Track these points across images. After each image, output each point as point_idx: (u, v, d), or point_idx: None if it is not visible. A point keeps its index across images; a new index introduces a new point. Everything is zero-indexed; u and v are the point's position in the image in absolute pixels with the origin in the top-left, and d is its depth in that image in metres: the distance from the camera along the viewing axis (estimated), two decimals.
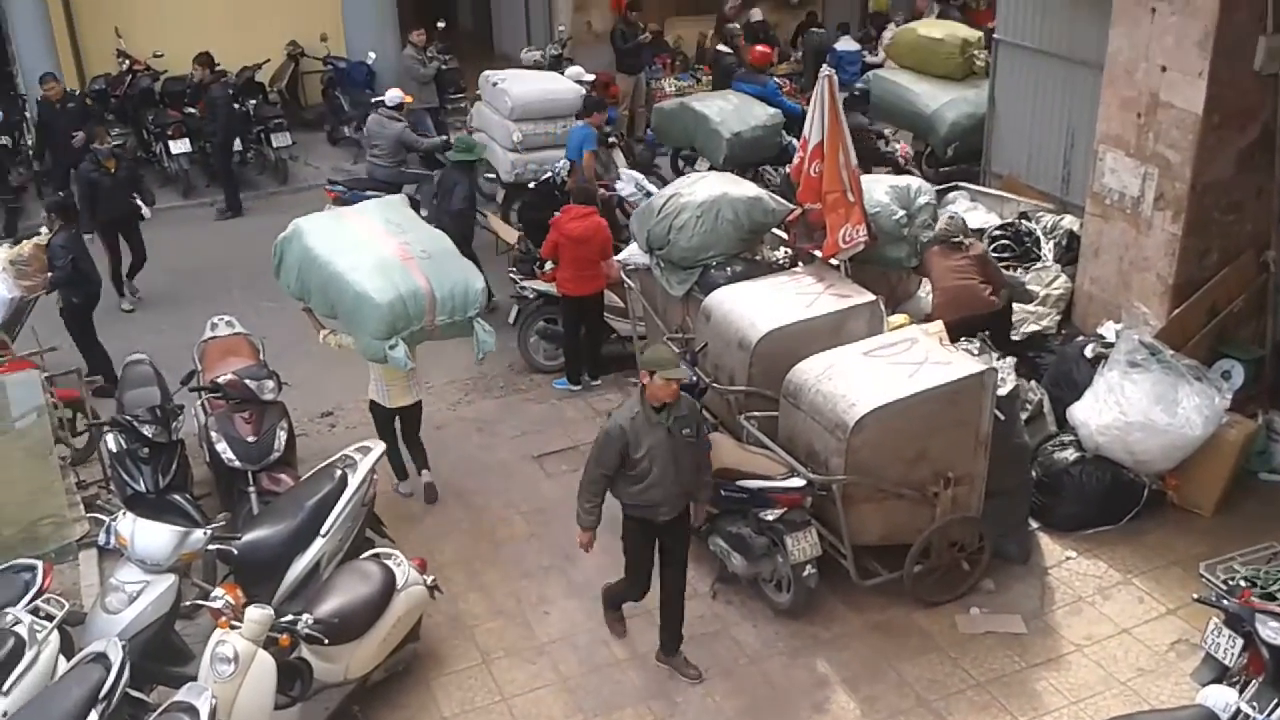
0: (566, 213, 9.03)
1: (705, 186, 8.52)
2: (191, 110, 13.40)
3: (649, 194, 10.10)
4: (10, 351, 8.24)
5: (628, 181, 10.93)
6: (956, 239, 8.41)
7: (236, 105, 13.44)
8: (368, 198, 9.01)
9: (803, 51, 15.73)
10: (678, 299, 8.36)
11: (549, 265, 9.15)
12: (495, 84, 11.66)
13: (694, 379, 7.23)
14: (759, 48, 13.92)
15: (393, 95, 11.52)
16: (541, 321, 9.54)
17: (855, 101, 12.01)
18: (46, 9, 13.58)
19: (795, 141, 10.79)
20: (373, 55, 14.36)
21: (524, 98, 11.37)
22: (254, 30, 14.48)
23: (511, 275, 9.61)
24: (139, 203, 10.47)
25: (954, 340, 7.88)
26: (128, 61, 13.86)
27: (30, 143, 13.24)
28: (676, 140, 12.70)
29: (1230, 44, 7.33)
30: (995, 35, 10.69)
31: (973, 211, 9.49)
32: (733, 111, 11.94)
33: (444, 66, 13.96)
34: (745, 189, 8.58)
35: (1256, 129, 7.66)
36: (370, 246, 7.40)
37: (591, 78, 13.17)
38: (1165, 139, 7.72)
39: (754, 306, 7.50)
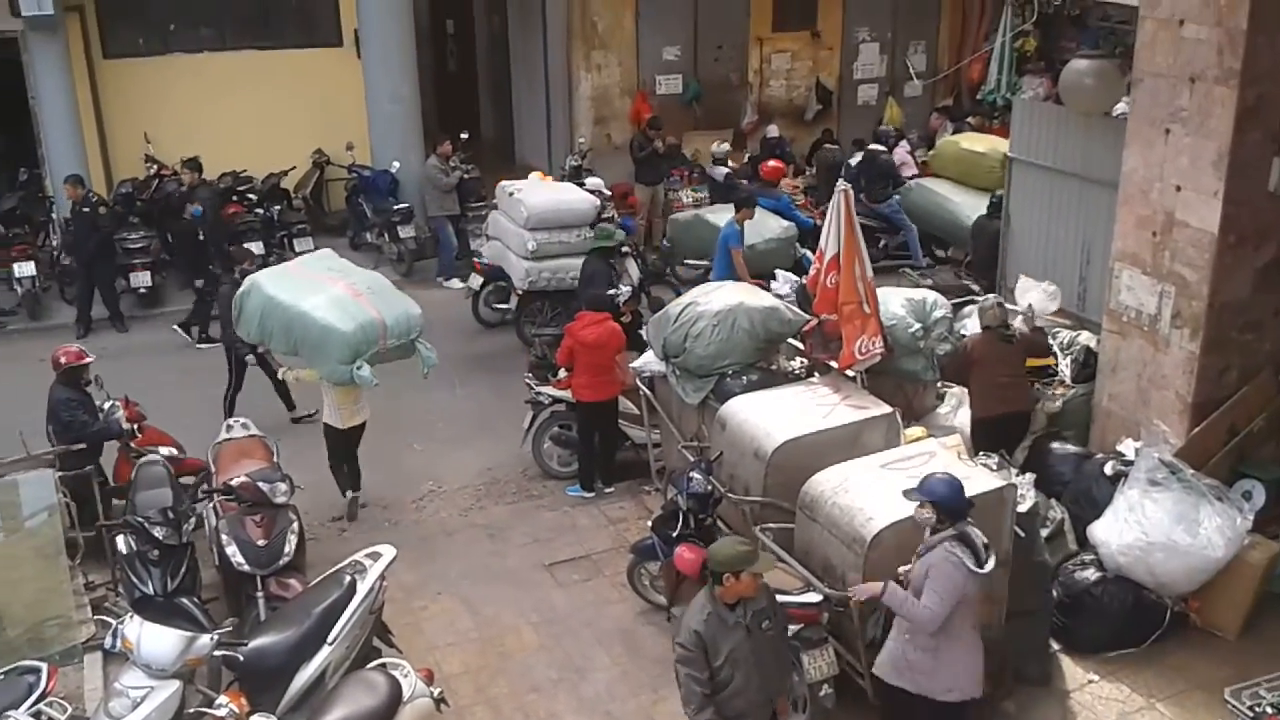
0: (581, 319, 9.08)
1: (722, 295, 8.59)
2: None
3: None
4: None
5: (784, 282, 11.05)
6: (1008, 332, 8.44)
7: (261, 210, 13.70)
8: None
9: (816, 167, 15.98)
10: (693, 407, 8.35)
11: (563, 372, 9.17)
12: (512, 193, 11.87)
13: (708, 489, 7.19)
14: (771, 162, 14.14)
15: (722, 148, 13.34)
16: (556, 427, 9.52)
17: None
18: (78, 113, 13.91)
19: (810, 254, 11.29)
20: (397, 164, 14.64)
21: (539, 207, 11.56)
22: (282, 138, 14.81)
23: (527, 381, 9.63)
24: None
25: (987, 440, 7.87)
26: (155, 166, 14.15)
27: (56, 243, 13.50)
28: (692, 251, 12.84)
29: (1245, 164, 7.41)
30: (1009, 153, 10.86)
31: None
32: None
33: (466, 176, 14.22)
34: (762, 299, 8.65)
35: (1273, 248, 7.69)
36: (323, 289, 8.62)
37: (609, 191, 13.39)
38: (1181, 257, 7.76)
39: (770, 416, 7.48)
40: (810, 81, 17.80)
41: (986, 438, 8.16)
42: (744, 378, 8.25)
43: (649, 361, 8.90)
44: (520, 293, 11.88)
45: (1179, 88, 7.65)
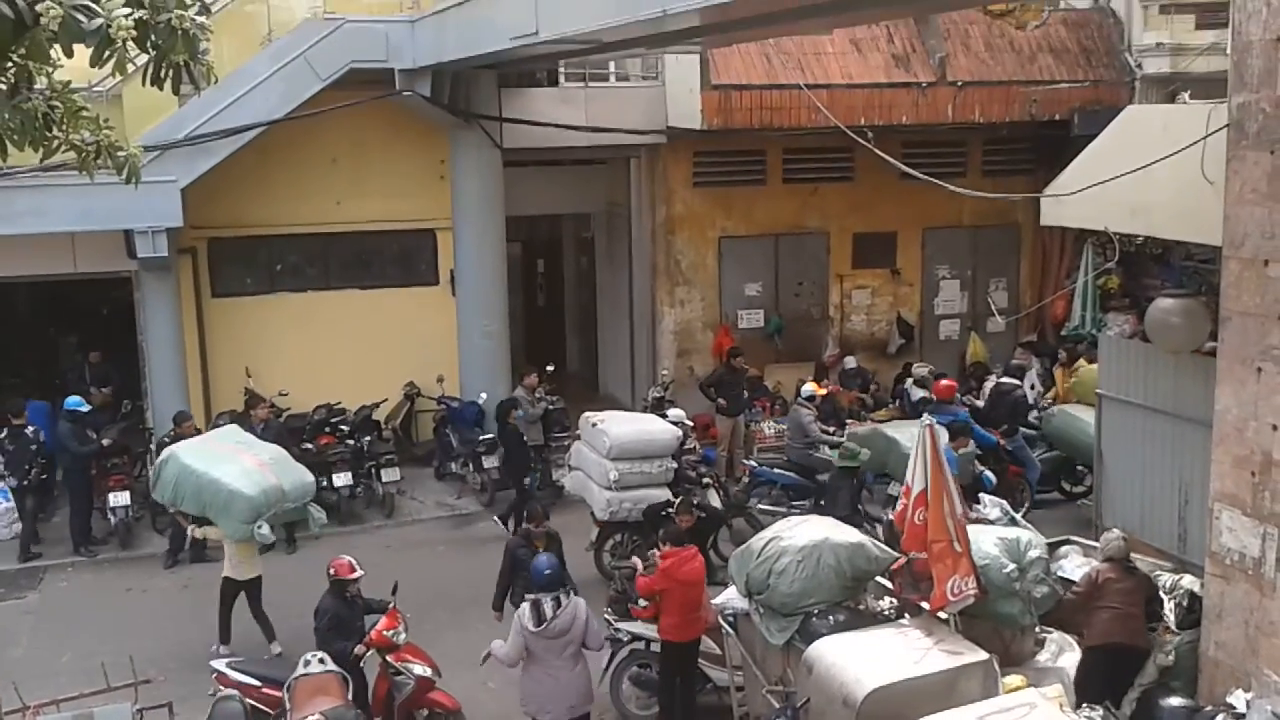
0: (676, 556, 8.89)
1: (806, 531, 8.46)
2: (309, 445, 13.98)
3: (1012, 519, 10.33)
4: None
5: (992, 506, 10.84)
6: (1130, 564, 8.16)
7: (352, 440, 14.04)
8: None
9: (900, 400, 15.98)
10: (778, 648, 8.10)
11: (644, 602, 8.99)
12: (594, 424, 12.05)
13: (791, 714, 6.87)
14: (944, 381, 14.25)
15: (807, 389, 14.05)
16: (635, 667, 9.27)
17: None
18: (184, 349, 14.58)
19: (989, 473, 12.00)
20: (484, 396, 15.01)
21: (621, 438, 11.69)
22: (376, 371, 15.36)
23: (606, 617, 9.43)
24: None
25: (1097, 673, 7.46)
26: (252, 398, 14.68)
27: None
28: (871, 465, 12.80)
29: None
30: (1099, 390, 10.75)
31: (1085, 568, 9.14)
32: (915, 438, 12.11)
33: (551, 407, 14.49)
34: (848, 534, 8.49)
35: None
36: (232, 459, 10.15)
37: (690, 422, 13.55)
38: None
39: (859, 660, 7.21)
40: (891, 316, 18.07)
41: (1098, 670, 7.87)
42: (831, 618, 8.00)
43: (731, 599, 8.70)
44: (601, 523, 11.84)
45: (1268, 326, 7.57)
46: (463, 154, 15.24)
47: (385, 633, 8.53)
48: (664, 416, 13.25)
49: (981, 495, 11.14)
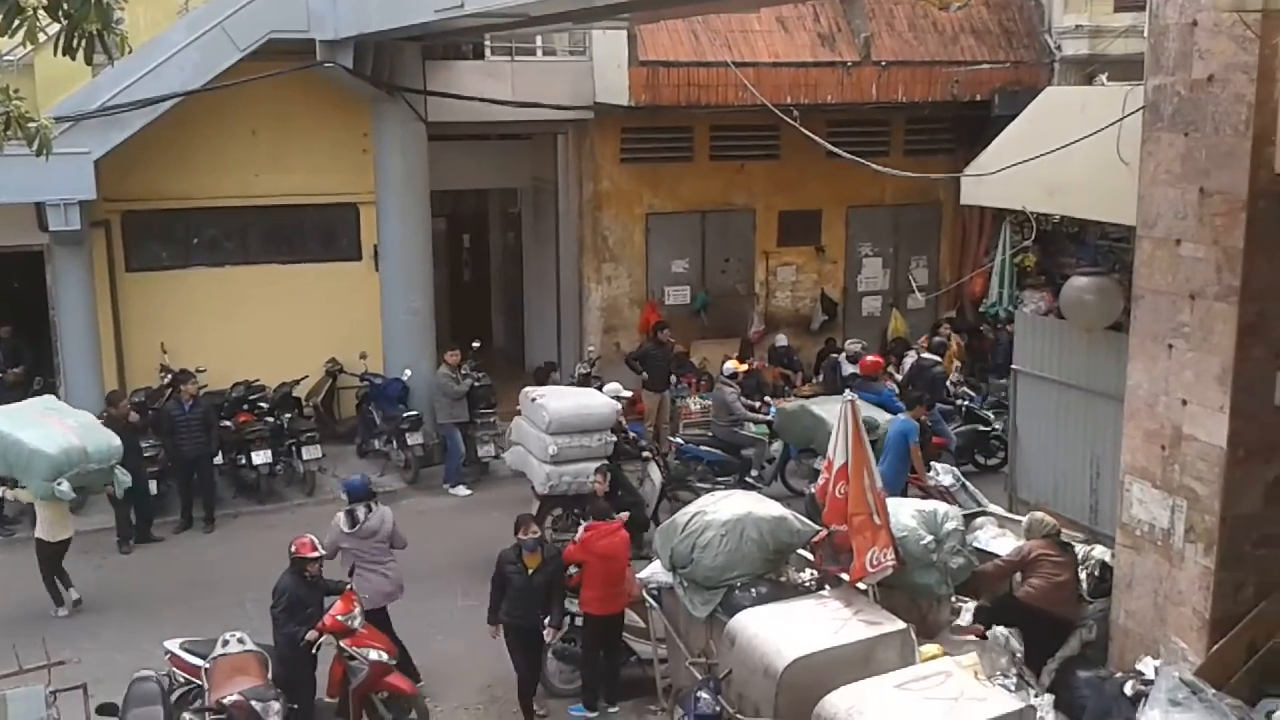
0: (596, 530, 8.96)
1: (730, 505, 8.52)
2: (227, 423, 13.74)
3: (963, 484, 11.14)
4: None
5: (945, 473, 11.38)
6: (1064, 540, 8.41)
7: (271, 418, 13.83)
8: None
9: (823, 375, 16.18)
10: (701, 621, 8.15)
11: (573, 569, 9.02)
12: (534, 399, 12.10)
13: (717, 710, 6.94)
14: (870, 357, 14.52)
15: (728, 367, 14.12)
16: (559, 642, 9.28)
17: None
18: (97, 325, 14.23)
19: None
20: (408, 372, 14.85)
21: (561, 412, 11.74)
22: (297, 348, 15.11)
23: None
24: None
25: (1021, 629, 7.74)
26: (169, 375, 14.35)
27: None
28: (797, 440, 13.10)
29: (1249, 379, 7.44)
30: (1014, 366, 10.98)
31: (1001, 538, 9.37)
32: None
33: (476, 384, 14.39)
34: (770, 508, 8.56)
35: None
36: (39, 424, 10.66)
37: (629, 394, 13.61)
38: (1191, 471, 7.72)
39: (780, 631, 7.31)
40: (815, 293, 18.24)
41: (1020, 625, 8.14)
42: (753, 590, 8.08)
43: (656, 572, 8.75)
44: (541, 497, 11.92)
45: (1179, 304, 7.79)
46: (386, 127, 15.02)
47: (339, 617, 8.40)
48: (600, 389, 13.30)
49: (933, 464, 11.62)
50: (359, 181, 15.45)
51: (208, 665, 8.09)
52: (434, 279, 15.98)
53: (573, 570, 9.04)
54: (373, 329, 15.50)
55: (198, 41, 13.46)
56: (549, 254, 17.68)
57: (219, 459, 13.41)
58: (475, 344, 15.29)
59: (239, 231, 15.43)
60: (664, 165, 16.98)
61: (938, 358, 15.14)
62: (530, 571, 8.76)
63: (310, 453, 13.87)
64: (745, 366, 14.99)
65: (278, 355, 14.90)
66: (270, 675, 7.90)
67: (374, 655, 8.42)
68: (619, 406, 12.39)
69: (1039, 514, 8.88)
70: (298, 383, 14.96)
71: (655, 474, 12.54)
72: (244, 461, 13.56)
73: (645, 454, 12.67)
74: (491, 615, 9.01)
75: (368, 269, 15.71)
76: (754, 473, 13.57)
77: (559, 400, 12.06)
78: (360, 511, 9.30)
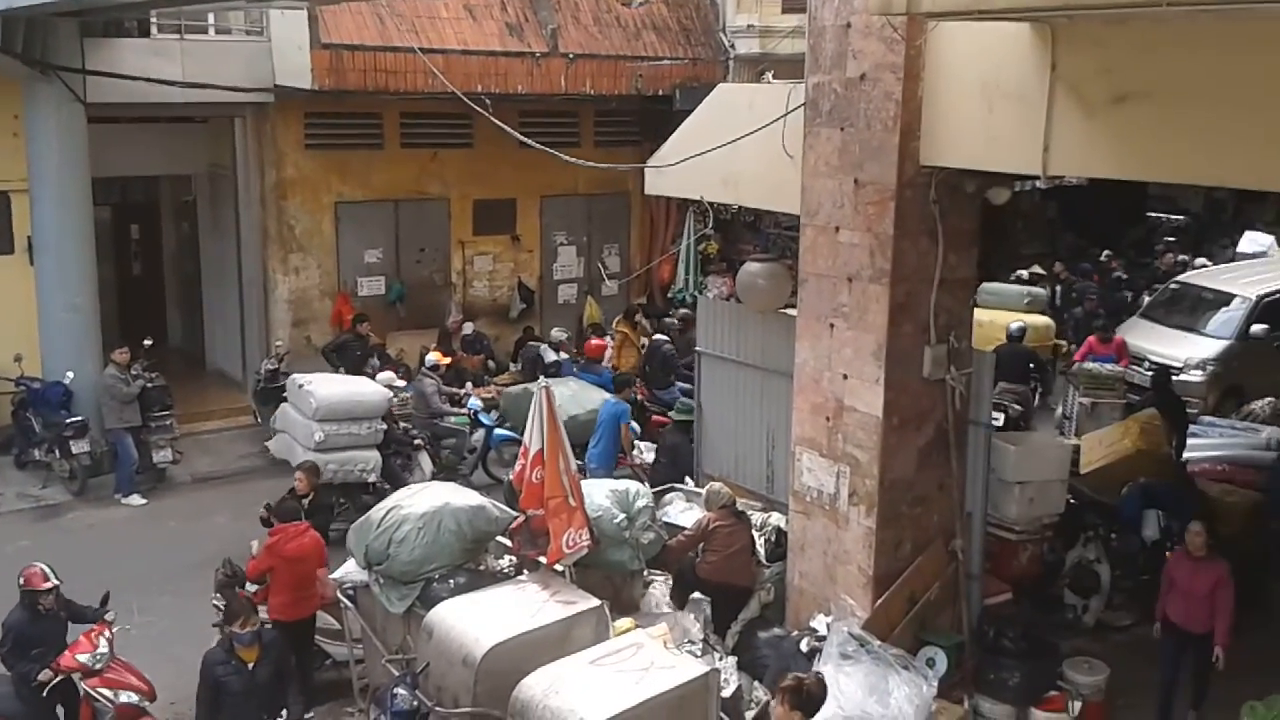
0: (282, 533, 8.62)
1: (427, 497, 8.44)
2: None
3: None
4: None
5: (648, 450, 12.13)
6: (738, 510, 8.76)
7: None
8: None
9: (521, 363, 16.33)
10: (399, 616, 8.04)
11: (251, 587, 8.66)
12: (301, 386, 11.87)
13: (414, 704, 6.87)
14: (594, 341, 15.08)
15: (430, 359, 14.20)
16: None
17: None
18: None
19: (635, 425, 12.52)
20: (70, 375, 13.66)
21: (328, 399, 11.61)
22: None
23: (215, 603, 8.95)
24: None
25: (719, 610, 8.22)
26: None
27: None
28: (522, 421, 12.93)
29: (901, 354, 8.13)
30: (697, 348, 11.48)
31: (689, 511, 9.80)
32: (571, 396, 12.49)
33: (149, 385, 13.47)
34: (468, 497, 8.56)
35: (931, 429, 8.42)
36: None
37: (402, 384, 13.63)
38: (853, 440, 8.36)
39: (477, 620, 7.31)
40: (512, 282, 18.35)
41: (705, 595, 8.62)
42: (451, 581, 8.04)
43: (350, 571, 8.54)
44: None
45: (839, 286, 8.40)
46: (39, 109, 13.72)
47: (78, 656, 7.61)
48: (283, 388, 12.95)
49: (638, 442, 12.29)
50: (10, 168, 14.07)
51: None
52: (99, 273, 14.74)
53: (253, 588, 8.68)
54: (29, 328, 14.14)
55: None
56: (229, 245, 16.77)
57: None
58: (147, 342, 14.29)
59: None
60: (353, 152, 16.52)
61: (666, 337, 15.65)
62: (251, 666, 7.15)
63: None
64: (447, 359, 14.99)
65: None
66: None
67: (124, 698, 7.70)
68: (390, 395, 12.46)
69: (715, 485, 9.36)
70: None
71: (426, 463, 12.62)
72: None
73: (417, 442, 12.75)
74: None
75: (21, 263, 14.31)
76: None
77: (327, 387, 11.98)
78: None
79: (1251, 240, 21.69)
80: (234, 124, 16.06)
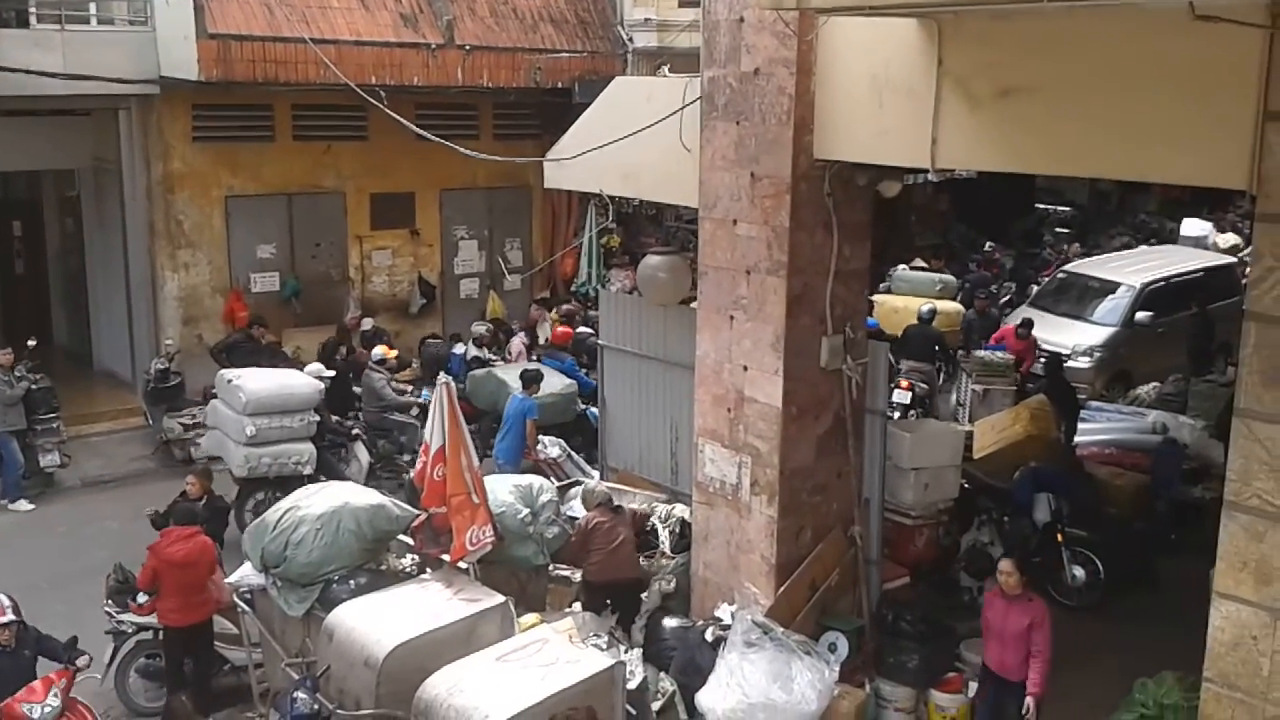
0: (166, 536, 8.42)
1: (325, 497, 8.31)
2: None
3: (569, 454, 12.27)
4: None
5: (552, 445, 12.15)
6: (616, 505, 8.75)
7: None
8: None
9: (422, 360, 16.14)
10: (298, 619, 7.91)
11: (142, 597, 8.43)
12: (230, 381, 11.63)
13: (315, 708, 6.76)
14: (560, 328, 15.28)
15: (377, 353, 14.02)
16: (142, 658, 8.65)
17: None
18: None
19: (593, 409, 12.48)
20: None
21: (258, 392, 11.37)
22: None
23: (107, 610, 8.70)
24: None
25: (598, 606, 8.12)
26: None
27: None
28: (485, 404, 13.31)
29: (798, 345, 8.25)
30: (599, 341, 11.49)
31: None
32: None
33: (34, 386, 13.00)
34: (368, 497, 8.45)
35: (829, 418, 8.56)
36: None
37: (332, 373, 13.30)
38: (753, 430, 8.45)
39: (379, 620, 7.22)
40: (413, 276, 18.10)
41: (598, 603, 8.56)
42: (352, 582, 7.93)
43: (247, 575, 8.37)
44: (240, 481, 11.43)
45: (738, 279, 8.48)
46: None
47: (20, 706, 7.14)
48: (182, 386, 13.10)
49: (542, 436, 12.19)
50: None
51: None
52: None
53: (143, 599, 8.46)
54: None
55: None
56: (115, 241, 16.24)
57: None
58: (31, 342, 13.77)
59: None
60: (243, 145, 16.10)
61: (591, 330, 15.59)
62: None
63: None
64: (394, 353, 14.78)
65: None
66: None
67: None
68: (321, 386, 12.18)
69: (590, 484, 9.49)
70: None
71: (363, 454, 12.44)
72: None
73: (355, 432, 12.65)
74: None
75: None
76: None
77: (257, 381, 11.71)
78: None
79: (1193, 226, 22.61)
80: (118, 116, 15.53)
